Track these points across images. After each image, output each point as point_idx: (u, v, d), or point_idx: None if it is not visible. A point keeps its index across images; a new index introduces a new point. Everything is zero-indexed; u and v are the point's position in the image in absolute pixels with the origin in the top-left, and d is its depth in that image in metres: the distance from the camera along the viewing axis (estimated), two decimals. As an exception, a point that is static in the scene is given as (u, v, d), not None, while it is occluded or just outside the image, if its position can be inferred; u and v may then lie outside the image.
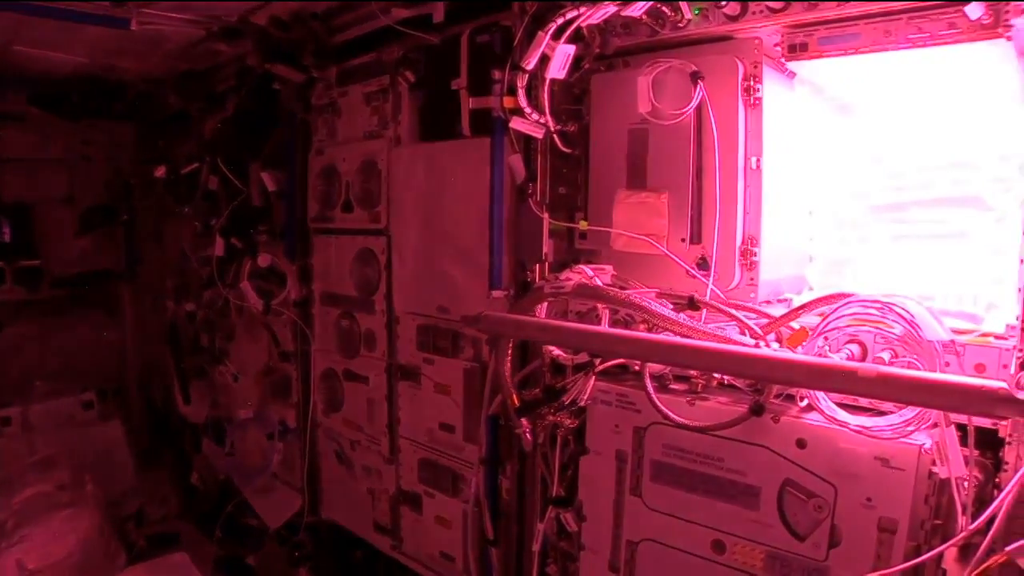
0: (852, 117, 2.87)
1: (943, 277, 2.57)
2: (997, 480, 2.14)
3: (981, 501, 2.09)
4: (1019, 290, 2.13)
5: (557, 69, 2.74)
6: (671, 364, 2.57)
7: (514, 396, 2.91)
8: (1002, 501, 1.93)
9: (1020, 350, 2.09)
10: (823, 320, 2.21)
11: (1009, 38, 2.16)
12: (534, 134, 2.93)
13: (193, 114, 5.62)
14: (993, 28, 2.14)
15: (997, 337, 2.25)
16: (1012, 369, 2.13)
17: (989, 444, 2.15)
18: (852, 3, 2.30)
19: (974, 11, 2.09)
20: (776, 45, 2.58)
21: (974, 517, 1.98)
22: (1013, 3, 2.09)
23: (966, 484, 2.04)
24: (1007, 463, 2.10)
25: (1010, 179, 2.49)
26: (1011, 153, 2.47)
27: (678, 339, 2.33)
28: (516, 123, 2.89)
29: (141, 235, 7.08)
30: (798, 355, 2.16)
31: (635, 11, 2.60)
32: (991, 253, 2.56)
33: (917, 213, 2.71)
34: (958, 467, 2.03)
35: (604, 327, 2.57)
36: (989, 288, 2.53)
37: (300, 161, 4.69)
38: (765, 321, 2.44)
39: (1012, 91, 2.41)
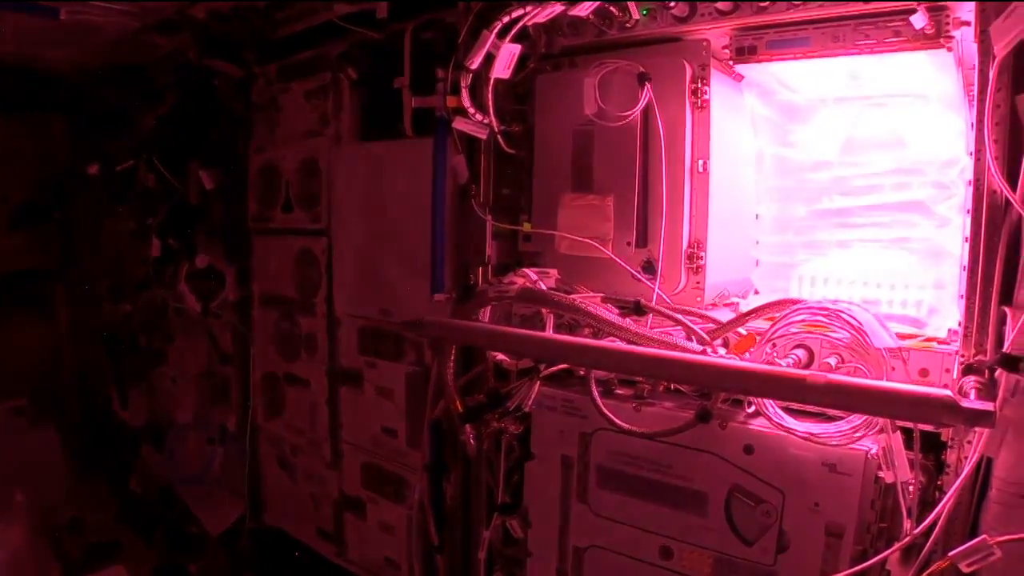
0: (799, 121, 2.86)
1: (887, 282, 2.57)
2: (939, 483, 2.17)
3: (924, 503, 2.12)
4: (961, 297, 2.14)
5: (502, 69, 2.69)
6: (617, 371, 2.54)
7: (457, 402, 2.85)
8: (944, 506, 1.96)
9: (962, 355, 2.10)
10: (771, 327, 2.20)
11: (950, 48, 2.20)
12: (478, 135, 2.87)
13: (129, 109, 5.46)
14: (935, 38, 2.18)
15: (940, 342, 2.28)
16: (955, 374, 2.15)
17: (931, 447, 2.17)
18: (800, 6, 2.28)
19: (918, 20, 2.11)
20: (724, 48, 2.56)
21: (918, 519, 2.01)
22: (954, 16, 2.13)
23: (911, 488, 2.06)
24: (949, 466, 2.13)
25: (952, 186, 2.51)
26: (952, 160, 2.48)
27: (624, 345, 2.29)
28: (459, 123, 2.82)
29: (76, 233, 6.85)
30: (746, 363, 2.14)
31: (582, 11, 2.56)
32: (933, 259, 2.58)
33: (862, 218, 2.71)
34: (903, 472, 2.04)
35: (549, 332, 2.52)
36: (931, 293, 2.55)
37: (239, 159, 4.56)
38: (712, 326, 2.42)
39: (952, 99, 2.42)
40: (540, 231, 2.88)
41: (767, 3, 2.32)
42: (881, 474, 2.09)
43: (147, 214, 5.17)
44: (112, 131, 5.79)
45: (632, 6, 2.57)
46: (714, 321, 2.44)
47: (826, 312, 2.08)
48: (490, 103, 2.77)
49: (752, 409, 2.33)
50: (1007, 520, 1.93)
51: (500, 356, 2.85)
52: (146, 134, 5.16)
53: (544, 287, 2.62)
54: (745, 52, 2.50)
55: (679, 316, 2.43)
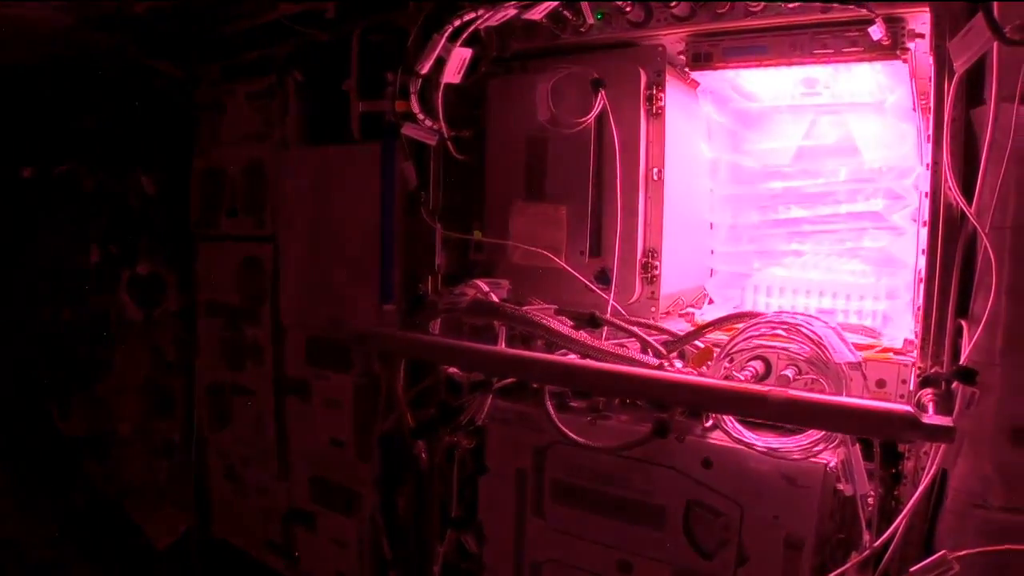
0: (754, 129, 2.84)
1: (842, 292, 2.56)
2: (896, 492, 2.17)
3: (882, 512, 2.12)
4: (917, 308, 2.13)
5: (453, 73, 2.62)
6: (572, 387, 2.47)
7: (408, 415, 2.78)
8: (902, 519, 1.95)
9: (919, 367, 2.09)
10: (730, 340, 2.16)
11: (905, 60, 2.20)
12: (427, 141, 2.79)
13: (66, 110, 5.27)
14: (891, 49, 2.18)
15: (896, 353, 2.27)
16: (911, 385, 2.15)
17: (889, 457, 2.17)
18: (758, 13, 2.25)
19: (876, 32, 2.11)
20: (680, 54, 2.53)
21: (876, 529, 2.01)
22: (909, 28, 2.14)
23: (870, 500, 2.06)
24: (906, 476, 2.12)
25: (906, 195, 2.50)
26: (906, 169, 2.48)
27: (579, 360, 2.24)
28: (408, 129, 2.74)
29: (8, 239, 6.60)
30: (705, 378, 2.09)
31: (536, 14, 2.50)
32: (887, 268, 2.57)
33: (816, 227, 2.70)
34: (863, 485, 2.04)
35: (501, 346, 2.46)
36: (885, 302, 2.54)
37: (183, 163, 4.42)
38: (668, 338, 2.38)
39: (906, 109, 2.42)
40: (491, 240, 2.82)
41: (724, 9, 2.28)
42: (840, 487, 2.08)
43: (86, 219, 4.99)
44: (47, 132, 5.58)
45: (586, 9, 2.51)
46: (670, 333, 2.40)
47: (786, 326, 2.04)
48: (440, 108, 2.70)
49: (710, 423, 2.28)
50: (961, 529, 1.92)
51: (452, 368, 2.78)
52: (84, 136, 4.98)
53: (496, 299, 2.55)
54: (701, 59, 2.46)
55: (635, 329, 2.38)
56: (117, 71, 4.68)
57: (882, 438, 1.96)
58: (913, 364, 2.14)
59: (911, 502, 1.95)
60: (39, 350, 5.92)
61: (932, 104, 2.00)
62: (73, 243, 5.29)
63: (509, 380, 2.69)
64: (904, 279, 2.52)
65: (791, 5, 2.19)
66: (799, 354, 2.06)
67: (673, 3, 2.35)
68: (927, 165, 2.06)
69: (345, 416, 3.44)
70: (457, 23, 2.52)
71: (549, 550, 2.63)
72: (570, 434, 2.43)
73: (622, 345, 2.36)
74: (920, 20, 2.11)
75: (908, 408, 1.72)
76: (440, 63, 2.59)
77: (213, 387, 4.37)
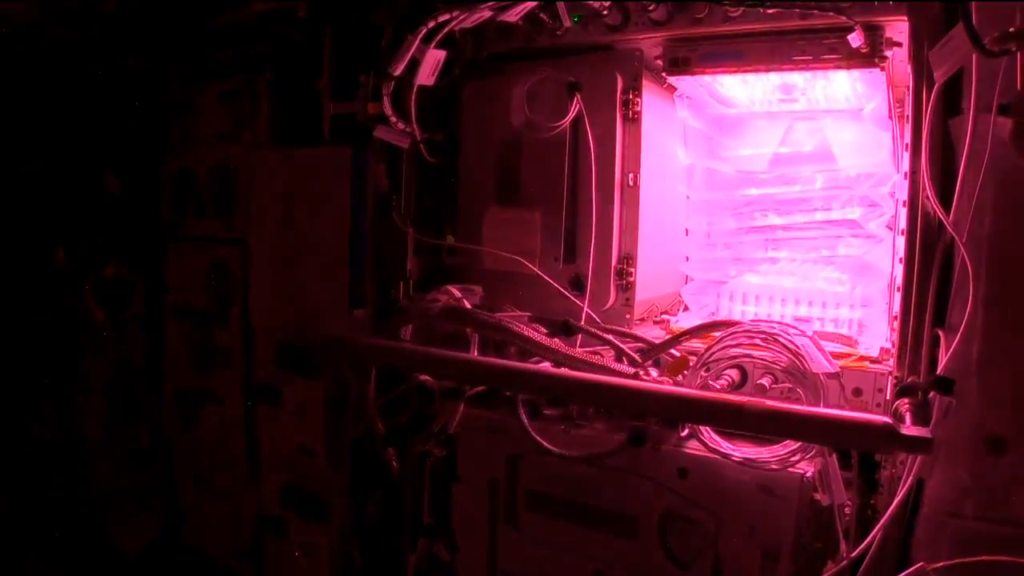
0: (730, 135, 2.83)
1: (818, 300, 2.54)
2: (872, 501, 2.14)
3: (858, 520, 2.12)
4: (894, 318, 2.12)
5: (426, 75, 2.58)
6: (546, 396, 2.43)
7: (379, 423, 2.73)
8: (878, 530, 1.95)
9: (896, 376, 2.07)
10: (707, 350, 2.13)
11: (883, 68, 2.19)
12: (399, 144, 2.74)
13: (31, 108, 5.16)
14: (870, 57, 2.16)
15: (873, 361, 2.26)
16: (888, 394, 2.14)
17: (864, 465, 2.14)
18: (736, 19, 2.23)
19: (855, 40, 2.10)
20: (657, 58, 2.51)
21: (853, 539, 2.01)
22: (887, 36, 2.13)
23: (847, 510, 2.05)
24: (882, 485, 2.11)
25: (882, 203, 2.50)
26: (883, 177, 2.47)
27: (553, 369, 2.21)
28: (381, 132, 2.70)
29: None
30: (681, 389, 2.07)
31: (512, 16, 2.46)
32: (863, 276, 2.56)
33: (792, 234, 2.69)
34: (839, 495, 2.03)
35: (473, 353, 2.42)
36: (860, 310, 2.53)
37: (151, 163, 4.34)
38: (643, 345, 2.36)
39: (883, 117, 2.41)
40: (464, 245, 2.79)
41: (702, 14, 2.26)
42: (817, 496, 2.06)
43: (52, 219, 4.88)
44: (11, 131, 5.47)
45: (563, 12, 2.48)
46: (646, 341, 2.37)
47: (763, 335, 2.02)
48: (413, 111, 2.65)
49: (686, 432, 2.26)
50: (937, 538, 1.91)
51: (423, 376, 2.74)
52: (49, 134, 4.88)
53: (468, 305, 2.52)
54: (679, 64, 2.44)
55: (610, 337, 2.35)
56: (84, 68, 4.59)
57: (860, 450, 1.94)
58: (890, 373, 2.13)
59: (887, 513, 1.93)
60: (6, 353, 5.81)
61: (910, 113, 2.00)
62: (39, 244, 5.19)
63: (481, 388, 2.66)
64: (880, 287, 2.51)
65: (770, 11, 2.17)
66: (776, 363, 2.04)
67: (651, 7, 2.32)
68: (905, 174, 2.05)
69: (315, 423, 3.38)
70: (432, 24, 2.48)
71: (522, 560, 2.60)
72: (543, 443, 2.40)
73: (597, 353, 2.32)
74: (898, 29, 2.11)
75: (886, 419, 1.72)
76: (414, 65, 2.55)
77: (181, 392, 4.30)
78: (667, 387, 2.06)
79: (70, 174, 4.61)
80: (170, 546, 4.57)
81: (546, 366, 2.29)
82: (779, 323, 2.13)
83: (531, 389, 2.32)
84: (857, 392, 2.19)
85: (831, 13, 2.09)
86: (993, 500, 1.83)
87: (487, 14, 2.46)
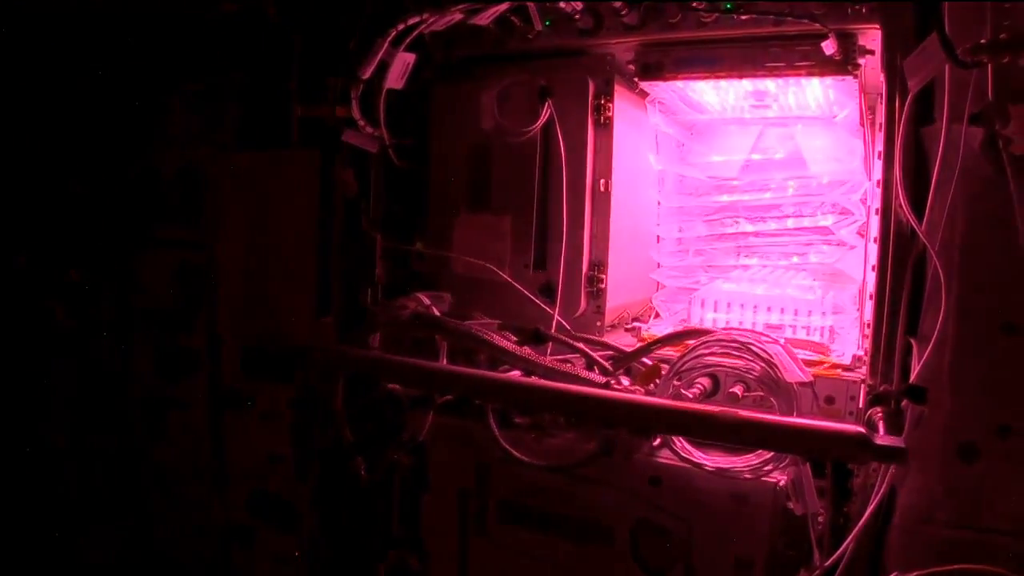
0: (702, 141, 2.82)
1: (790, 307, 2.54)
2: (845, 509, 2.12)
3: (831, 528, 2.10)
4: (866, 325, 2.11)
5: (396, 78, 2.54)
6: (516, 406, 2.40)
7: (347, 431, 2.69)
8: (852, 539, 1.94)
9: (870, 383, 2.07)
10: (680, 359, 2.11)
11: (856, 76, 2.19)
12: (368, 148, 2.69)
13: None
14: (843, 65, 2.16)
15: (845, 369, 2.26)
16: (860, 402, 2.13)
17: (838, 473, 2.12)
18: (710, 24, 2.22)
19: (828, 47, 2.10)
20: (629, 63, 2.48)
21: (826, 547, 2.01)
22: (860, 44, 2.13)
23: (820, 520, 2.04)
24: (855, 493, 2.09)
25: (854, 210, 2.49)
26: (855, 184, 2.47)
27: (523, 378, 2.18)
28: (349, 135, 2.65)
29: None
30: (652, 399, 2.04)
31: (483, 19, 2.43)
32: (834, 283, 2.56)
33: (764, 241, 2.68)
34: (813, 504, 2.02)
35: (442, 362, 2.38)
36: (832, 317, 2.53)
37: (118, 165, 4.25)
38: (612, 352, 2.34)
39: (855, 124, 2.41)
40: (434, 251, 2.75)
41: (675, 19, 2.24)
42: (790, 505, 2.05)
43: (13, 223, 4.78)
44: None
45: (535, 15, 2.45)
46: (617, 350, 2.34)
47: (737, 344, 2.00)
48: (382, 114, 2.61)
49: (658, 441, 2.23)
50: (910, 545, 1.91)
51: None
52: (12, 135, 4.77)
53: (437, 312, 2.48)
54: (651, 69, 2.42)
55: (580, 345, 2.32)
56: (49, 66, 4.49)
57: (834, 460, 1.93)
58: (862, 381, 2.13)
59: (860, 522, 1.93)
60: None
61: (883, 121, 1.99)
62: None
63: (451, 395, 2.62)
64: (851, 294, 2.51)
65: (743, 17, 2.15)
66: (749, 372, 2.02)
67: (624, 11, 2.30)
68: (877, 182, 2.04)
69: (283, 430, 3.33)
70: (401, 27, 2.44)
71: (493, 570, 2.57)
72: (514, 452, 2.37)
73: (568, 361, 2.30)
74: (871, 37, 2.11)
75: (860, 429, 1.72)
76: (383, 68, 2.51)
77: (148, 398, 4.22)
78: (639, 397, 2.04)
79: (33, 177, 4.50)
80: (138, 555, 4.49)
81: (516, 375, 2.26)
82: (752, 331, 2.12)
83: (501, 399, 2.29)
84: (829, 400, 2.19)
85: (805, 20, 2.08)
86: (965, 508, 1.83)
87: (457, 17, 2.43)
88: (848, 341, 2.49)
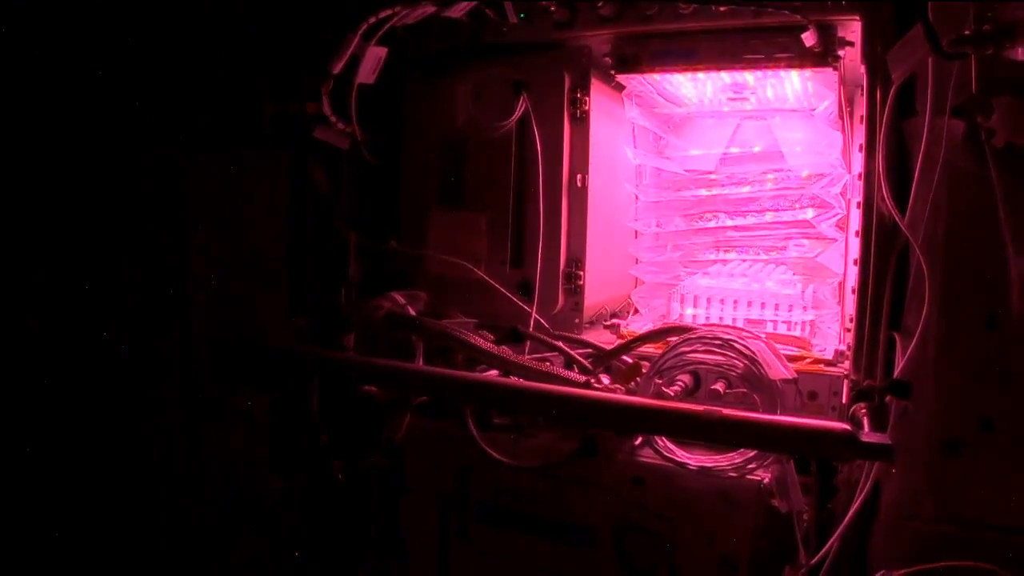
0: (680, 134, 2.79)
1: (771, 302, 2.52)
2: (830, 505, 2.09)
3: (816, 524, 2.04)
4: (849, 319, 2.10)
5: (367, 73, 2.47)
6: (494, 408, 2.35)
7: (323, 434, 2.64)
8: (835, 539, 1.93)
9: (853, 378, 2.05)
10: (661, 356, 2.08)
11: (836, 68, 2.17)
12: (339, 144, 2.63)
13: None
14: (823, 57, 2.14)
15: (827, 364, 2.24)
16: (844, 397, 2.12)
17: (822, 470, 2.06)
18: (688, 16, 2.18)
19: (809, 39, 2.07)
20: (606, 56, 2.44)
21: (812, 545, 1.97)
22: (840, 36, 2.11)
23: (805, 517, 2.01)
24: (839, 489, 2.07)
25: (833, 204, 2.48)
26: (835, 177, 2.45)
27: (501, 378, 2.14)
28: (320, 132, 2.58)
29: None
30: (634, 398, 2.00)
31: (456, 12, 2.38)
32: (815, 276, 2.55)
33: (743, 234, 2.66)
34: (798, 501, 1.99)
35: (419, 363, 2.33)
36: (813, 311, 2.52)
37: (87, 162, 4.16)
38: (591, 351, 2.31)
39: (835, 118, 2.40)
40: (408, 249, 2.70)
41: (652, 11, 2.21)
42: (775, 503, 2.03)
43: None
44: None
45: (509, 8, 2.41)
46: (597, 348, 2.31)
47: (719, 342, 1.98)
48: (353, 110, 2.55)
49: (640, 441, 2.20)
50: (895, 541, 1.91)
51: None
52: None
53: (413, 312, 2.43)
54: (628, 62, 2.39)
55: (560, 344, 2.29)
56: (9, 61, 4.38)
57: (820, 457, 1.91)
58: (846, 376, 2.11)
59: (845, 521, 1.92)
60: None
61: (865, 113, 1.96)
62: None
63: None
64: (831, 287, 2.50)
65: (722, 8, 2.12)
66: (732, 370, 2.00)
67: (600, 3, 2.26)
68: (859, 175, 2.02)
69: (259, 433, 3.28)
70: (372, 20, 2.37)
71: (474, 573, 2.52)
72: (493, 453, 2.32)
73: (546, 360, 2.26)
74: (850, 28, 2.09)
75: (846, 426, 1.70)
76: (354, 62, 2.44)
77: (119, 400, 4.14)
78: (620, 396, 1.99)
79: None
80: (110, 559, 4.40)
81: (494, 375, 2.22)
82: (734, 328, 2.10)
83: (478, 400, 2.24)
84: (812, 395, 2.17)
85: (785, 12, 2.05)
86: (950, 502, 1.82)
87: (430, 9, 2.37)
88: (829, 335, 2.48)
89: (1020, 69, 1.56)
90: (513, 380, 2.14)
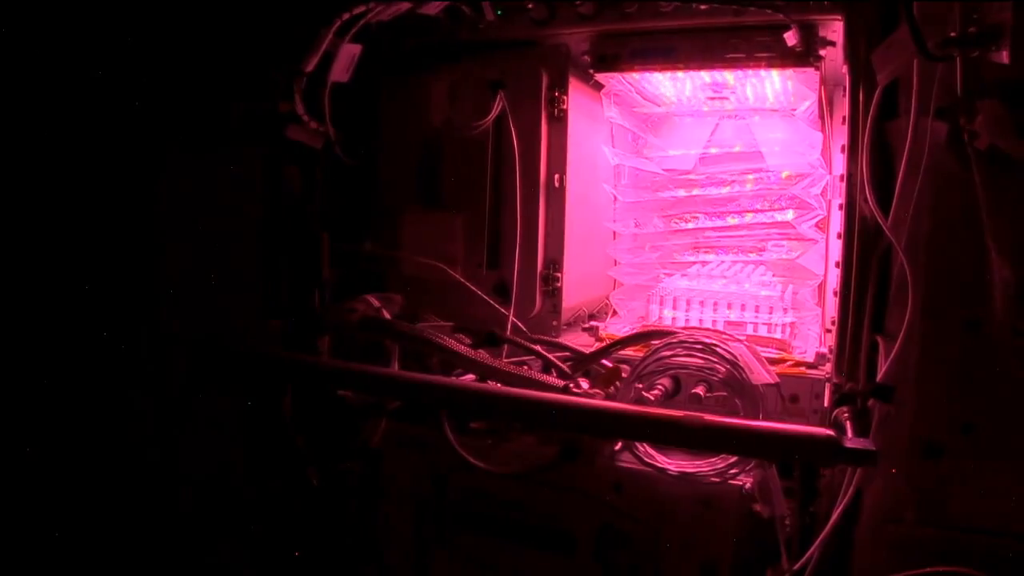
0: (659, 134, 2.76)
1: (751, 303, 2.50)
2: (812, 509, 2.10)
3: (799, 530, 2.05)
4: (831, 321, 2.08)
5: (341, 71, 2.43)
6: (471, 414, 2.31)
7: (298, 438, 2.59)
8: (817, 546, 1.92)
9: (835, 381, 2.05)
10: (641, 361, 2.05)
11: (818, 68, 2.15)
12: (313, 144, 2.58)
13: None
14: (805, 56, 2.12)
15: (808, 366, 2.23)
16: (826, 401, 2.11)
17: (804, 474, 2.09)
18: (668, 14, 2.15)
19: (791, 38, 2.05)
20: (584, 54, 2.41)
21: (794, 549, 1.97)
22: (821, 35, 2.09)
23: (787, 522, 2.00)
24: (821, 493, 2.07)
25: (814, 204, 2.46)
26: (816, 178, 2.44)
27: (477, 384, 2.11)
28: (293, 131, 2.53)
29: None
30: (614, 403, 1.97)
31: (432, 9, 2.34)
32: (794, 278, 2.54)
33: (723, 235, 2.64)
34: (780, 506, 1.98)
35: (394, 367, 2.29)
36: (793, 313, 2.50)
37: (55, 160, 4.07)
38: (568, 354, 2.28)
39: (815, 118, 2.38)
40: (383, 251, 2.65)
41: (632, 9, 2.18)
42: (757, 508, 2.01)
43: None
44: None
45: (486, 5, 2.36)
46: (575, 351, 2.28)
47: (701, 346, 1.95)
48: (327, 109, 2.49)
49: (619, 445, 2.17)
50: (876, 544, 1.89)
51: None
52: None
53: (387, 315, 2.38)
54: (607, 60, 2.35)
55: (538, 348, 2.25)
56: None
57: (804, 463, 1.89)
58: (827, 379, 2.10)
59: (827, 527, 1.90)
60: None
61: (847, 115, 1.95)
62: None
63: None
64: (811, 289, 2.48)
65: (703, 7, 2.09)
66: (714, 375, 1.97)
67: (579, 0, 2.22)
68: (840, 176, 2.01)
69: (233, 437, 3.22)
70: (346, 16, 2.32)
71: (453, 580, 2.48)
72: (471, 459, 2.29)
73: (524, 363, 2.22)
74: (831, 28, 2.07)
75: (829, 432, 1.67)
76: (327, 60, 2.39)
77: (90, 402, 4.06)
78: (600, 402, 1.96)
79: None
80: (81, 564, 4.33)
81: (471, 379, 2.18)
82: (715, 331, 2.08)
83: (454, 406, 2.20)
84: (794, 399, 2.15)
85: (767, 11, 2.03)
86: (931, 506, 1.81)
87: (405, 6, 2.33)
88: (809, 337, 2.46)
89: (1005, 71, 1.54)
90: (490, 385, 2.10)
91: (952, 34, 1.56)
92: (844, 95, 2.01)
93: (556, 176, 2.47)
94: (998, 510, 1.74)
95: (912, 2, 1.57)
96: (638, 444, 2.05)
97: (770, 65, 2.17)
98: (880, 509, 1.89)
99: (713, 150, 2.72)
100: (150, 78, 3.44)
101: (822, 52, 2.11)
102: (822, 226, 2.48)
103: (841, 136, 2.07)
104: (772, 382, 1.95)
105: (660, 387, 2.07)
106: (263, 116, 2.76)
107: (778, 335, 2.43)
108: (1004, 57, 1.51)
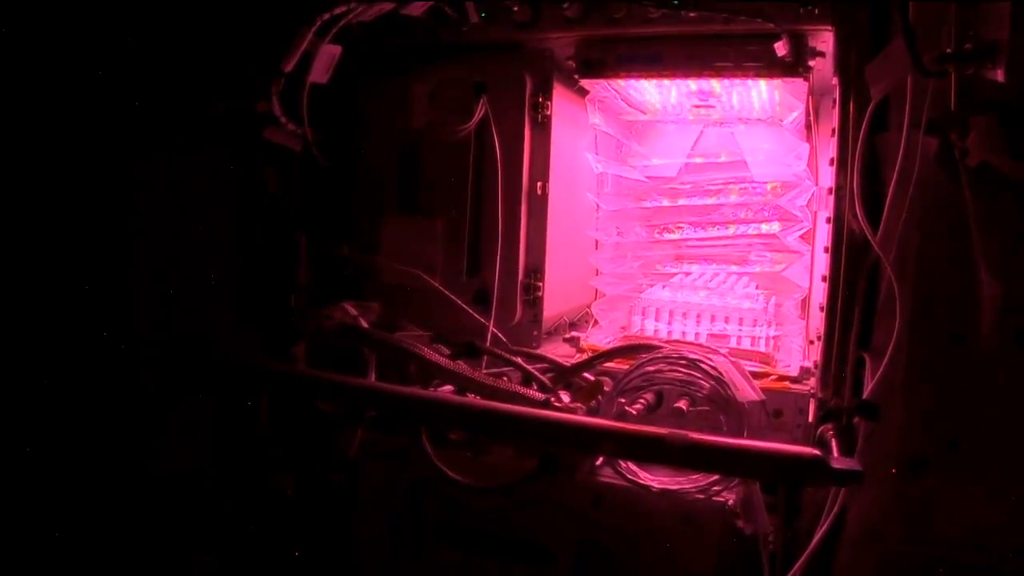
0: (643, 142, 2.73)
1: (734, 316, 2.47)
2: (795, 525, 2.06)
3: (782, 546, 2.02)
4: (817, 335, 2.06)
5: (320, 72, 2.37)
6: (449, 427, 2.26)
7: (272, 447, 2.54)
8: (801, 564, 1.89)
9: (820, 396, 2.01)
10: (624, 376, 2.01)
11: (806, 78, 2.13)
12: (290, 146, 2.52)
13: None
14: (794, 67, 2.09)
15: (792, 381, 2.20)
16: (809, 416, 2.07)
17: (789, 491, 2.05)
18: (657, 20, 2.11)
19: (781, 48, 2.02)
20: (569, 59, 2.37)
21: (778, 567, 1.95)
22: (811, 45, 2.07)
23: (771, 539, 1.97)
24: (804, 508, 2.04)
25: (799, 216, 2.44)
26: (802, 189, 2.41)
27: (455, 397, 2.06)
28: (270, 133, 2.46)
29: None
30: (596, 419, 1.93)
31: (415, 10, 2.28)
32: (779, 289, 2.52)
33: (706, 244, 2.61)
34: (763, 524, 1.95)
35: (371, 378, 2.24)
36: (775, 328, 2.47)
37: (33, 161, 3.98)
38: (547, 365, 2.24)
39: (802, 129, 2.36)
40: (361, 257, 2.59)
41: (620, 14, 2.13)
42: (740, 525, 1.97)
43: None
44: None
45: (470, 7, 2.32)
46: (556, 363, 2.23)
47: (685, 362, 1.91)
48: (305, 110, 2.43)
49: (600, 460, 2.13)
50: (860, 562, 1.87)
51: (319, 398, 2.54)
52: None
53: (365, 323, 2.33)
54: (593, 66, 2.31)
55: (518, 360, 2.21)
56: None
57: (789, 483, 1.86)
58: (812, 395, 2.07)
59: (811, 545, 1.88)
60: None
61: (837, 127, 1.92)
62: None
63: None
64: (796, 302, 2.46)
65: (692, 14, 2.05)
66: (698, 391, 1.94)
67: (565, 4, 2.18)
68: (828, 190, 1.98)
69: (205, 445, 3.15)
70: (327, 16, 2.26)
71: (430, 596, 2.43)
72: (448, 472, 2.23)
73: (504, 375, 2.18)
74: (821, 38, 2.05)
75: (815, 452, 1.63)
76: (306, 60, 2.33)
77: (60, 406, 3.97)
78: (582, 418, 1.91)
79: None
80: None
81: (449, 391, 2.14)
82: (700, 346, 2.04)
83: (432, 419, 2.15)
84: (777, 413, 2.12)
85: (757, 20, 1.99)
86: (916, 523, 1.79)
87: (387, 7, 2.27)
88: (793, 351, 2.43)
89: (999, 89, 1.52)
90: (469, 398, 2.06)
91: (948, 50, 1.54)
92: (833, 106, 1.98)
93: (539, 183, 2.43)
94: (984, 526, 1.72)
95: (907, 17, 1.55)
96: (619, 460, 2.01)
97: (759, 75, 2.13)
98: (865, 525, 1.86)
99: (698, 159, 2.69)
100: (124, 74, 3.37)
101: (811, 63, 2.08)
102: (807, 238, 2.45)
103: (829, 148, 2.05)
104: (757, 399, 1.92)
105: (643, 401, 2.03)
106: (240, 116, 2.70)
107: (761, 348, 2.40)
108: (999, 75, 1.50)
